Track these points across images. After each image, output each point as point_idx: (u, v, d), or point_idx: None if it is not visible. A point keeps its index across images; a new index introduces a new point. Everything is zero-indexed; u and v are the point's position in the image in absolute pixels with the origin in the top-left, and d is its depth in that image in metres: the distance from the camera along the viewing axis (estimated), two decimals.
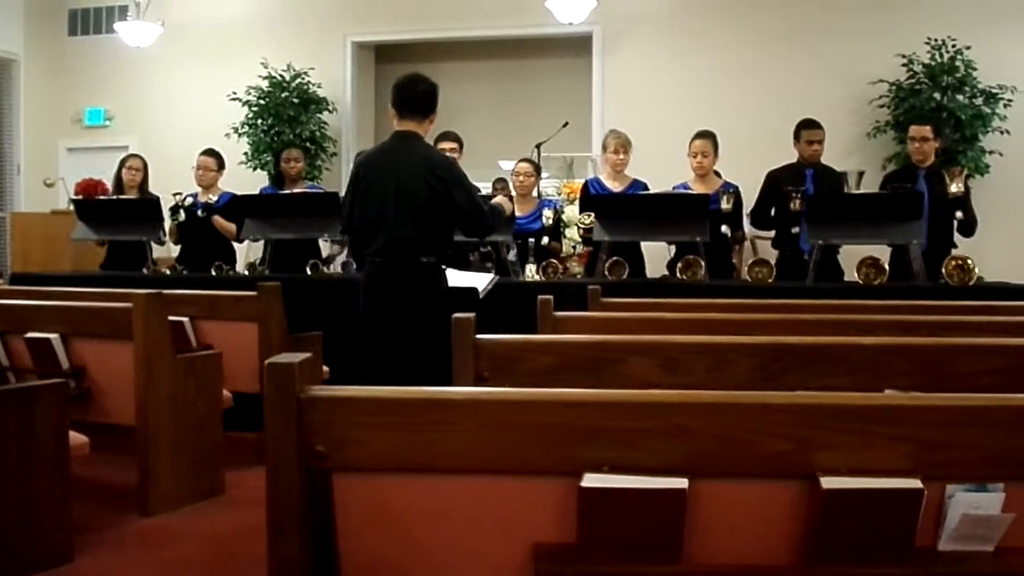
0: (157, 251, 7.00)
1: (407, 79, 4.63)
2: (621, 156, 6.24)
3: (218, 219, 6.83)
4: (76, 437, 3.54)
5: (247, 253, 7.44)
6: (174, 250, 7.27)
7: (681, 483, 1.62)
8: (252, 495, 4.47)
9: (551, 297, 3.48)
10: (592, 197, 6.08)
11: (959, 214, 5.69)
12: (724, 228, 5.80)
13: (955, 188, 5.61)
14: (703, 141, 6.17)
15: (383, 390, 1.67)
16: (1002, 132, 8.51)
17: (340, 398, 1.65)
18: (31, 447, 3.29)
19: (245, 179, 8.86)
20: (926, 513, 1.66)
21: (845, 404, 1.69)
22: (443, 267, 4.61)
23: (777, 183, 6.18)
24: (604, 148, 6.33)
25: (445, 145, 6.29)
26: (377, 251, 4.52)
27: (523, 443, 1.64)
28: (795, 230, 5.74)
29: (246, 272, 6.33)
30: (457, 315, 2.62)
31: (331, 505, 1.69)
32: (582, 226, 5.95)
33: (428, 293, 4.51)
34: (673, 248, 6.32)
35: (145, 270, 6.47)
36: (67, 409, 3.48)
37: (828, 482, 1.63)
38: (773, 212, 6.27)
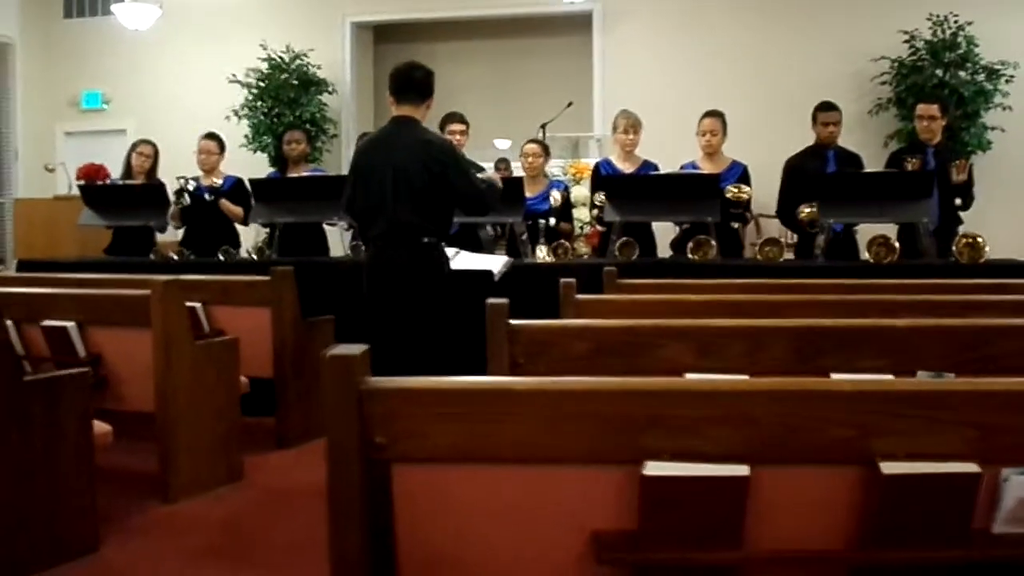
0: (160, 235, 6.99)
1: (404, 66, 4.72)
2: (631, 136, 6.23)
3: (225, 203, 6.80)
4: (99, 426, 3.54)
5: (255, 237, 7.42)
6: (176, 234, 7.24)
7: (743, 470, 1.63)
8: (271, 480, 4.50)
9: (574, 280, 3.47)
10: (604, 178, 6.05)
11: (958, 200, 5.88)
12: (734, 224, 5.84)
13: (960, 177, 5.80)
14: (712, 119, 6.15)
15: (444, 380, 1.67)
16: (1004, 108, 8.51)
17: (401, 389, 1.64)
18: (57, 437, 3.29)
19: (246, 162, 8.81)
20: (981, 496, 1.67)
21: (904, 390, 1.70)
22: (443, 247, 4.68)
23: (797, 169, 6.16)
24: (615, 128, 6.31)
25: (454, 127, 6.27)
26: (379, 234, 4.60)
27: (584, 432, 1.64)
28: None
29: (254, 256, 6.31)
30: (491, 300, 2.61)
31: (390, 497, 1.69)
32: (598, 204, 5.92)
33: (430, 273, 4.58)
34: (678, 228, 6.33)
35: (152, 255, 6.44)
36: (91, 398, 3.47)
37: (888, 467, 1.64)
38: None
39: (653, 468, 1.62)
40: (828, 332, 2.66)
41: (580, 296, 3.49)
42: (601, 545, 1.69)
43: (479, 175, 4.94)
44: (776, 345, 2.65)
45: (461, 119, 6.36)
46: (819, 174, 5.70)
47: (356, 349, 1.65)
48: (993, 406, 1.67)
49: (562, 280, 3.47)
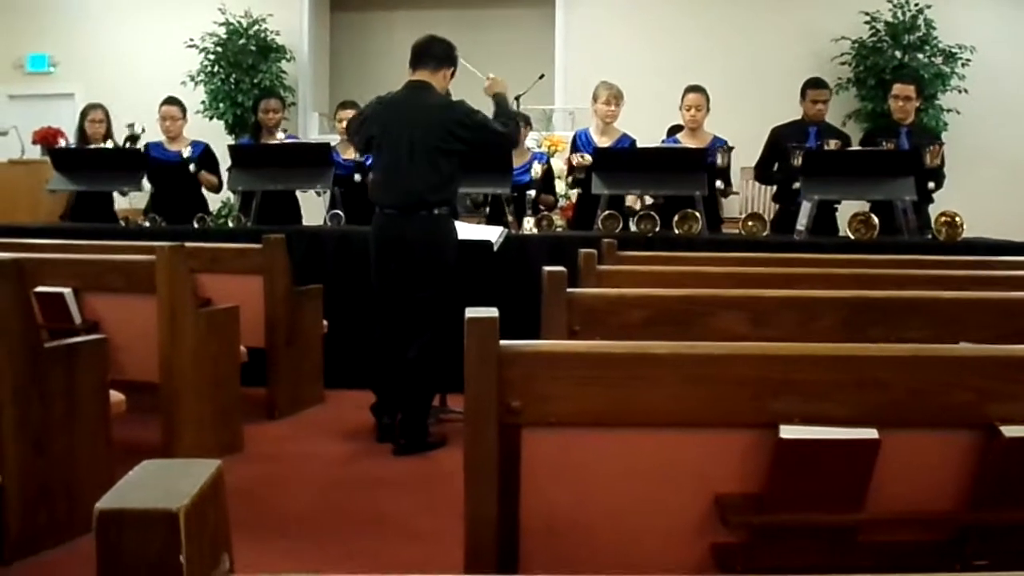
0: (119, 202, 6.85)
1: (425, 38, 4.71)
2: (612, 108, 6.21)
3: (204, 175, 6.67)
4: (113, 395, 3.46)
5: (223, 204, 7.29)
6: (137, 201, 7.07)
7: (872, 434, 1.65)
8: (270, 450, 4.46)
9: (594, 251, 3.50)
10: (593, 151, 6.02)
11: (931, 184, 5.99)
12: (719, 183, 5.87)
13: (934, 162, 5.90)
14: (696, 95, 6.18)
15: (582, 344, 1.67)
16: (960, 91, 8.69)
17: (541, 353, 1.64)
18: (75, 406, 3.21)
19: (202, 129, 8.61)
20: None
21: (1020, 356, 1.74)
22: (453, 219, 4.61)
23: (781, 139, 6.24)
24: (595, 99, 6.28)
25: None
26: (391, 203, 4.52)
27: (719, 396, 1.66)
28: (796, 185, 5.80)
29: (231, 224, 6.19)
30: (549, 268, 2.61)
31: (519, 461, 1.68)
32: (580, 164, 5.90)
33: (442, 244, 4.52)
34: (644, 200, 6.38)
35: (123, 222, 6.29)
36: (107, 367, 3.39)
37: (1011, 431, 1.68)
38: (776, 167, 6.32)
39: (789, 432, 1.64)
40: (876, 304, 2.72)
41: (601, 267, 3.51)
42: (726, 508, 1.71)
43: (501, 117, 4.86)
44: (826, 316, 2.70)
45: None
46: (806, 152, 5.74)
47: (492, 312, 1.64)
48: None
49: (582, 251, 3.49)
